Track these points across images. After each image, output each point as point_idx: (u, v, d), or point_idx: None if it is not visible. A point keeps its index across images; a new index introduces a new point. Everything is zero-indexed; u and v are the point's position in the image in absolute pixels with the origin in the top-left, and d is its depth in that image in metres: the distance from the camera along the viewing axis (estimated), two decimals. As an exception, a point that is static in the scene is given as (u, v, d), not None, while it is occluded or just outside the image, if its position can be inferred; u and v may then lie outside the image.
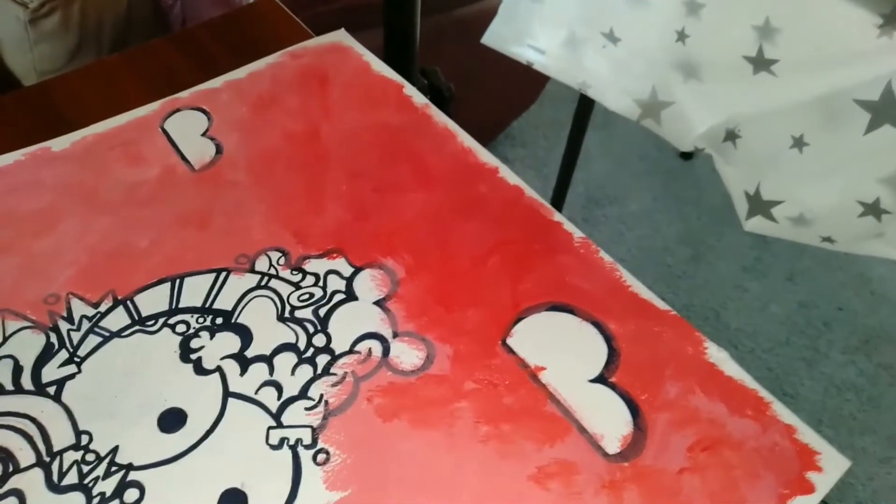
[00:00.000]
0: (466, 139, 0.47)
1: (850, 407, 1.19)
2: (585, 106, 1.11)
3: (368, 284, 0.39)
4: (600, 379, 0.35)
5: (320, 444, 0.33)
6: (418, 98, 0.49)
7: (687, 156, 1.52)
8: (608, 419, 0.34)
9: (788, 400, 1.19)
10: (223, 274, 0.40)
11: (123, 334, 0.37)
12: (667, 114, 0.56)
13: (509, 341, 0.37)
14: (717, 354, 0.36)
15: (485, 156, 0.46)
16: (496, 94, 1.32)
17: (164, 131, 0.47)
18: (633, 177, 1.51)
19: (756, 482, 0.32)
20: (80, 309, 0.39)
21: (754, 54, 0.48)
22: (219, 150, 0.46)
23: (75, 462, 0.32)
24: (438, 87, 0.70)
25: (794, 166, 0.50)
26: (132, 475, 0.32)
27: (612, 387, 0.35)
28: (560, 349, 0.36)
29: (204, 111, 0.48)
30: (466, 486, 0.31)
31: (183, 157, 0.46)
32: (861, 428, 1.16)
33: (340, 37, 0.53)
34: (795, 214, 0.51)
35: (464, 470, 0.32)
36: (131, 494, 0.31)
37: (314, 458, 0.33)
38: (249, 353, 0.37)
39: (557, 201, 1.33)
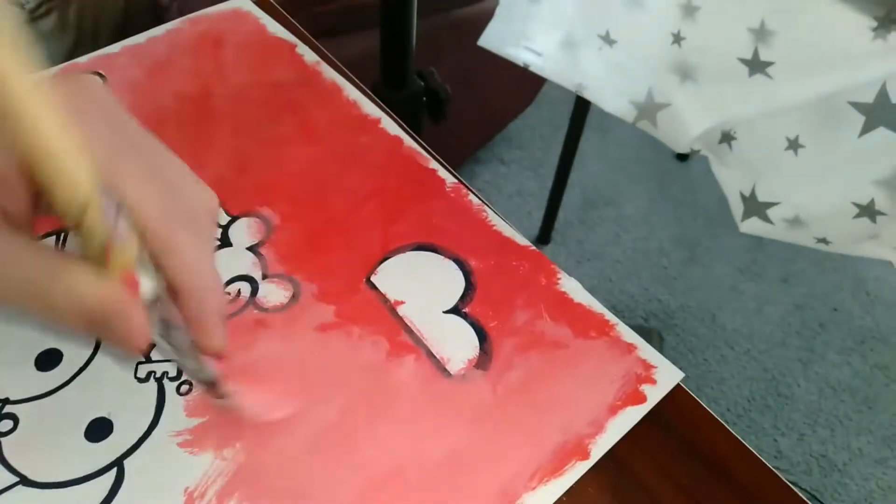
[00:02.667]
0: (352, 92, 0.49)
1: (846, 408, 1.19)
2: (582, 108, 1.12)
3: (244, 232, 0.41)
4: (454, 310, 0.38)
5: (183, 377, 0.35)
6: (310, 56, 0.51)
7: (683, 157, 1.52)
8: (456, 345, 0.37)
9: (784, 401, 1.19)
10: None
11: None
12: (663, 115, 0.56)
13: (373, 279, 0.39)
14: (568, 284, 0.39)
15: (368, 107, 0.48)
16: (493, 96, 1.33)
17: None
18: (629, 178, 1.51)
19: (592, 396, 0.35)
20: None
21: (750, 56, 0.48)
22: None
23: None
24: (435, 89, 0.70)
25: (789, 168, 0.50)
26: (7, 408, 0.34)
27: (465, 316, 0.38)
28: (420, 285, 0.39)
29: (100, 74, 0.50)
30: (321, 400, 0.34)
31: None
32: (857, 429, 1.16)
33: (240, 2, 0.54)
34: (791, 216, 0.51)
35: (317, 388, 0.35)
36: (5, 424, 0.34)
37: (178, 389, 0.35)
38: None
39: (554, 202, 1.33)
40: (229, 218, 0.42)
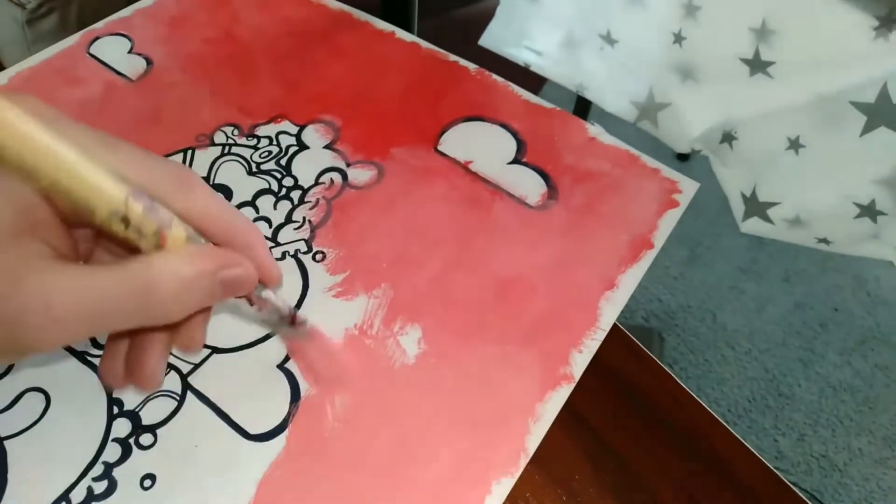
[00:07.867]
0: (361, 15, 0.57)
1: (846, 408, 1.19)
2: (583, 108, 1.12)
3: (315, 135, 0.48)
4: (515, 161, 0.47)
5: (315, 249, 0.41)
6: None
7: (684, 157, 1.52)
8: (528, 185, 0.45)
9: (785, 401, 1.19)
10: (189, 151, 0.47)
11: None
12: (664, 115, 0.56)
13: (440, 148, 0.47)
14: (594, 129, 0.49)
15: (380, 24, 0.56)
16: (493, 96, 1.32)
17: (92, 55, 0.53)
18: (630, 178, 1.51)
19: (640, 206, 0.44)
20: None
21: (751, 56, 0.48)
22: (149, 62, 0.52)
23: None
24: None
25: (790, 168, 0.50)
26: None
27: (525, 164, 0.46)
28: (480, 146, 0.47)
29: (123, 34, 0.54)
30: (436, 240, 0.42)
31: (118, 73, 0.51)
32: (857, 429, 1.16)
33: None
34: (792, 216, 0.51)
35: (430, 232, 0.42)
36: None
37: (313, 258, 0.41)
38: (234, 202, 0.44)
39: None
40: (298, 127, 0.48)
